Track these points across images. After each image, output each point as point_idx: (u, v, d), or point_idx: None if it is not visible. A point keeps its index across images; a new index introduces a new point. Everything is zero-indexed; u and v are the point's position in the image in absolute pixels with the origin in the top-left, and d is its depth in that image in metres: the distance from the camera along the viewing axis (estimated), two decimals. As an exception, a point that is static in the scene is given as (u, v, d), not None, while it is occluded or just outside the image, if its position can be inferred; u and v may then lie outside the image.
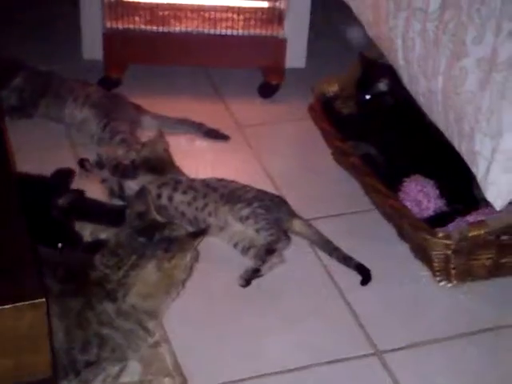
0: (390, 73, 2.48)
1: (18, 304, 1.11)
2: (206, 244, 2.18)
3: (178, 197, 2.31)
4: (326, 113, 2.63)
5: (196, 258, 1.78)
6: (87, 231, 2.14)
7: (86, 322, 1.64)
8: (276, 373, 1.93)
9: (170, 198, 2.31)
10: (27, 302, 1.11)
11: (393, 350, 2.01)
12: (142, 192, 1.87)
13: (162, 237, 1.69)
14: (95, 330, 1.64)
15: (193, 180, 2.39)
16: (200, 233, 1.76)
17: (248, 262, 2.21)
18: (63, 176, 2.34)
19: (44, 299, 1.12)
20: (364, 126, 2.55)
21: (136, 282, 1.65)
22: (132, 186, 2.34)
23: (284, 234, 2.27)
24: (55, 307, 1.63)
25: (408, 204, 2.26)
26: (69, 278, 1.70)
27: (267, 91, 3.04)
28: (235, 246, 2.27)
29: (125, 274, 1.65)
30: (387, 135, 2.48)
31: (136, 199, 1.83)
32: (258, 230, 2.24)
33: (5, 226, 1.25)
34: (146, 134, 2.69)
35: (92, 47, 2.99)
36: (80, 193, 2.26)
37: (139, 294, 1.66)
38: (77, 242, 2.10)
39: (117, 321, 1.65)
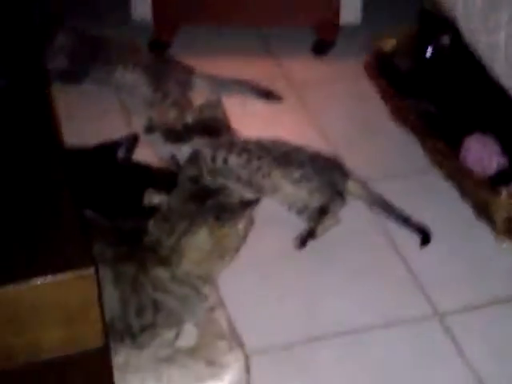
0: (451, 27, 2.39)
1: (65, 274, 1.08)
2: (261, 205, 2.15)
3: (233, 159, 2.27)
4: (383, 70, 2.56)
5: (250, 224, 1.74)
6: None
7: (140, 287, 1.62)
8: (333, 335, 1.89)
9: (225, 161, 2.27)
10: (76, 273, 1.09)
11: (454, 312, 1.95)
12: (194, 156, 1.83)
13: (214, 203, 1.65)
14: (150, 294, 1.62)
15: (247, 141, 2.35)
16: (252, 202, 1.71)
17: (303, 224, 2.17)
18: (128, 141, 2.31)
19: (93, 269, 1.09)
20: (423, 82, 2.47)
21: (188, 248, 1.62)
22: (186, 150, 2.31)
23: (338, 195, 2.22)
24: (109, 272, 1.61)
25: (470, 162, 2.19)
26: (122, 242, 1.68)
27: (321, 49, 2.97)
28: (289, 208, 2.24)
29: (177, 240, 1.62)
30: (447, 92, 2.40)
31: (188, 163, 1.79)
32: (311, 192, 2.20)
33: (51, 194, 1.22)
34: (198, 95, 2.65)
35: (142, 9, 2.94)
36: (135, 137, 2.23)
37: (192, 260, 1.63)
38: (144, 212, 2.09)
39: (171, 286, 1.62)
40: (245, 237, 1.72)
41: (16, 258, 1.12)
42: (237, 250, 1.70)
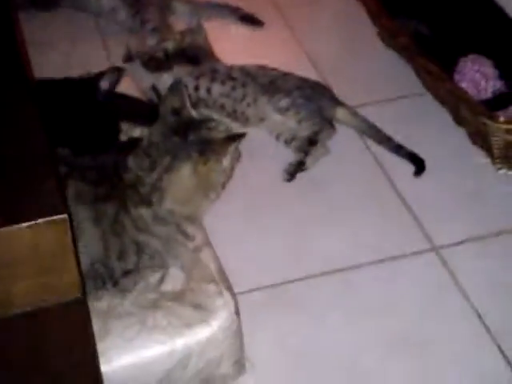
0: None
1: (37, 221, 0.99)
2: (247, 136, 2.06)
3: (217, 88, 2.17)
4: (371, -12, 2.43)
5: (237, 159, 1.65)
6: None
7: (121, 228, 1.54)
8: (325, 273, 1.82)
9: (209, 90, 2.17)
10: (47, 219, 0.99)
11: (450, 245, 1.88)
12: (176, 85, 1.70)
13: (198, 137, 1.55)
14: (131, 236, 1.53)
15: (231, 68, 2.24)
16: (238, 136, 1.61)
17: (291, 154, 2.08)
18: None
19: (66, 215, 1.00)
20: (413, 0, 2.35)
21: (171, 186, 1.53)
22: (167, 79, 2.20)
23: (327, 123, 2.13)
24: (89, 212, 1.53)
25: (464, 85, 2.11)
26: (102, 180, 1.58)
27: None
28: (277, 137, 2.15)
29: (159, 177, 1.53)
30: (440, 10, 2.28)
31: (170, 93, 1.68)
32: (299, 121, 2.11)
33: (20, 134, 1.12)
34: (179, 20, 2.52)
35: None
36: (120, 70, 2.11)
37: (175, 199, 1.54)
38: (115, 140, 1.99)
39: (154, 226, 1.54)
40: (231, 172, 1.62)
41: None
42: (223, 186, 1.61)
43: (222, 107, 2.16)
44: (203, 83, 2.18)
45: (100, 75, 1.98)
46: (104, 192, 1.56)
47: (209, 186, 1.56)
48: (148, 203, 1.53)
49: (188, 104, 1.64)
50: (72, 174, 1.54)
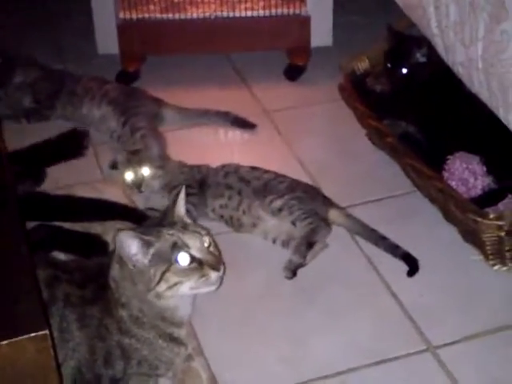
0: (424, 43, 2.31)
1: (17, 339, 0.97)
2: (240, 242, 2.06)
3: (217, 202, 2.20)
4: (358, 91, 2.47)
5: None
6: (110, 235, 2.01)
7: (106, 331, 1.51)
8: (322, 377, 1.78)
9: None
10: (28, 336, 0.97)
11: (447, 345, 1.85)
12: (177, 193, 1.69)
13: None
14: (116, 339, 1.50)
15: (226, 173, 2.23)
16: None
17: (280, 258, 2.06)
18: None
19: (47, 331, 0.98)
20: (400, 102, 2.39)
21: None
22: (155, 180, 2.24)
23: (323, 222, 2.12)
24: (76, 315, 1.52)
25: (453, 184, 2.10)
26: (87, 283, 1.56)
27: (293, 73, 2.89)
28: (274, 241, 2.14)
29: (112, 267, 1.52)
30: (425, 111, 2.32)
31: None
32: (293, 222, 2.10)
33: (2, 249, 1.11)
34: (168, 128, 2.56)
35: (106, 40, 2.86)
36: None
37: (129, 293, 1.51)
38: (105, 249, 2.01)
39: (133, 328, 1.50)
40: None
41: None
42: None
43: (221, 216, 2.18)
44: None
45: None
46: (90, 295, 1.55)
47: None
48: (122, 304, 1.51)
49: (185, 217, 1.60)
50: (59, 277, 1.54)
